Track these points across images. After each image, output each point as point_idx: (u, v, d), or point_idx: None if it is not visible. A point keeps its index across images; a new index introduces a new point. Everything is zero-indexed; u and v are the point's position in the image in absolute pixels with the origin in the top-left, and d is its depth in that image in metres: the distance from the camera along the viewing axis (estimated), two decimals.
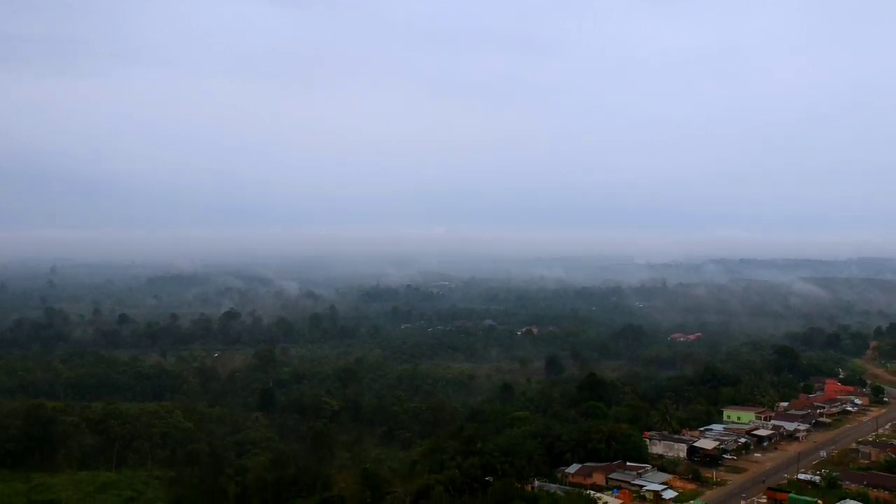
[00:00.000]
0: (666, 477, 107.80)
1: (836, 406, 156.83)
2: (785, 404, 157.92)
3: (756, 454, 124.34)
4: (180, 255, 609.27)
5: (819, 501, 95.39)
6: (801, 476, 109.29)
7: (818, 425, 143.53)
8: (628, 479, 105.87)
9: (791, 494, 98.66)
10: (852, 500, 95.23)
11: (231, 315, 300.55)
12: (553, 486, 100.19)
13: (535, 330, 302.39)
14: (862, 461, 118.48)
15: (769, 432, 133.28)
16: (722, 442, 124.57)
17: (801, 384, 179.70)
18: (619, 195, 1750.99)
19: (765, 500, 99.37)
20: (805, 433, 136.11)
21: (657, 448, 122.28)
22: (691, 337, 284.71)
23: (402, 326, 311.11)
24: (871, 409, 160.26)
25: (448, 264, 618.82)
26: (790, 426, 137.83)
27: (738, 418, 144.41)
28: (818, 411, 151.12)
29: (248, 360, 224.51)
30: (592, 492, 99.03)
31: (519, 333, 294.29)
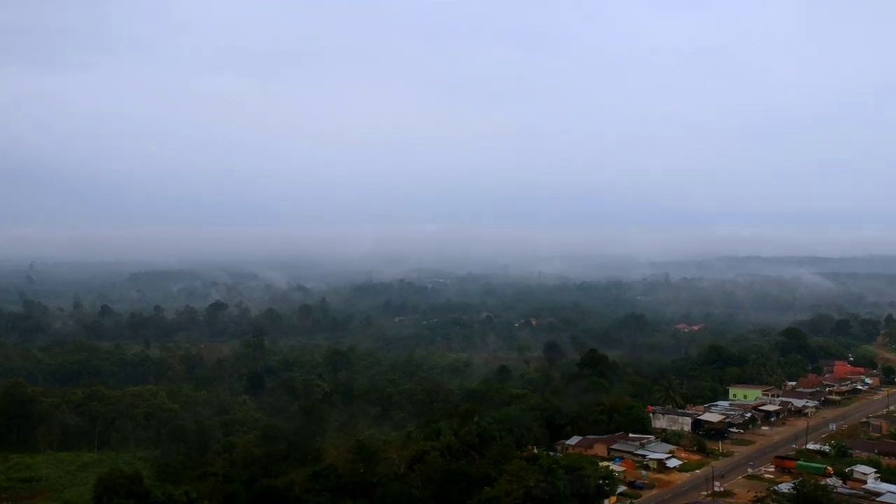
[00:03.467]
0: (670, 448, 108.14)
1: (846, 385, 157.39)
2: (793, 383, 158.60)
3: (763, 428, 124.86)
4: (166, 252, 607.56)
5: (829, 468, 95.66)
6: (811, 446, 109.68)
7: (827, 403, 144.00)
8: (631, 450, 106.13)
9: (800, 462, 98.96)
10: (864, 465, 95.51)
11: (218, 307, 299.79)
12: (553, 455, 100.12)
13: (533, 322, 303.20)
14: (872, 434, 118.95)
15: (777, 408, 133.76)
16: (728, 416, 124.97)
17: (811, 366, 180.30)
18: (621, 192, 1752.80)
19: (773, 469, 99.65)
20: (814, 409, 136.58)
21: (661, 422, 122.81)
22: (695, 328, 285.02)
23: (396, 319, 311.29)
24: (882, 389, 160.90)
25: (444, 262, 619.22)
26: (799, 403, 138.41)
27: (745, 396, 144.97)
28: (827, 389, 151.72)
29: (235, 350, 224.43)
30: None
31: (517, 325, 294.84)
